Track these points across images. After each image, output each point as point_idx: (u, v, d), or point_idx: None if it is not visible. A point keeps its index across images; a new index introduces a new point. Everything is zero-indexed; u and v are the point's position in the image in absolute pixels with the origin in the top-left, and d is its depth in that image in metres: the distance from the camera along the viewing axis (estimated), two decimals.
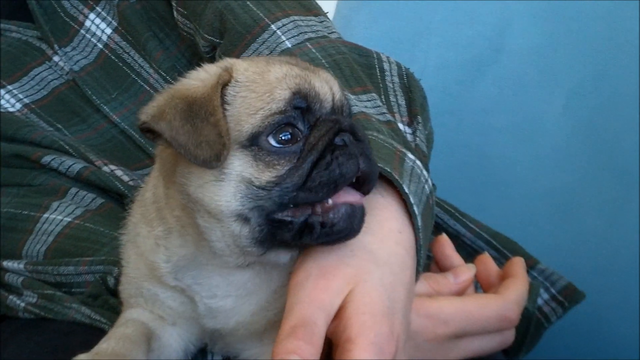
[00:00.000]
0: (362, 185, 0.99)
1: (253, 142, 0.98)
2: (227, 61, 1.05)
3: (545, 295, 1.37)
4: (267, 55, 1.27)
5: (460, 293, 1.18)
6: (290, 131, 0.99)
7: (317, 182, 0.97)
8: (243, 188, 0.97)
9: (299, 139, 0.99)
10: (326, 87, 1.02)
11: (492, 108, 1.84)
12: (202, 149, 0.96)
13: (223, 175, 0.97)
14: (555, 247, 1.74)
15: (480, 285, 1.26)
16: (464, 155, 1.84)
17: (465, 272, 1.20)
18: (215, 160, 0.96)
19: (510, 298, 1.18)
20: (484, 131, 1.84)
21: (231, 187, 0.97)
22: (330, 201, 0.98)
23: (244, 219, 0.98)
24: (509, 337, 1.20)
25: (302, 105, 0.99)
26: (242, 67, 1.02)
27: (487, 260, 1.26)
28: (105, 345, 1.05)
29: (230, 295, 1.05)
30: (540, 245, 1.54)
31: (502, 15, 1.82)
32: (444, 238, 1.24)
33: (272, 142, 0.98)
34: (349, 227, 0.98)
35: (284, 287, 1.03)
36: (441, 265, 1.23)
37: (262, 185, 0.97)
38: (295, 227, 0.97)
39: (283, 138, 0.98)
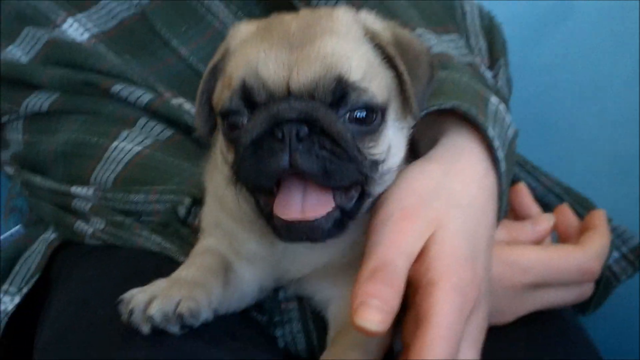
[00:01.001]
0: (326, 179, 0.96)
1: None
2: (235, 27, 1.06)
3: (616, 254, 1.34)
4: None
5: (537, 242, 1.16)
6: (233, 119, 0.98)
7: (243, 175, 0.97)
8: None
9: (239, 127, 0.98)
10: (280, 72, 0.96)
11: (557, 67, 1.80)
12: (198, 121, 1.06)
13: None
14: (615, 214, 1.71)
15: (559, 237, 1.24)
16: (525, 113, 1.78)
17: (544, 221, 1.18)
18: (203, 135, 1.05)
19: (592, 250, 1.15)
20: (547, 90, 1.80)
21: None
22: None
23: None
24: (587, 290, 1.18)
25: (246, 94, 0.97)
26: (237, 38, 1.04)
27: (566, 211, 1.24)
28: (185, 272, 1.04)
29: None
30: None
31: None
32: (522, 187, 1.22)
33: (225, 126, 0.99)
34: (292, 237, 0.97)
35: (362, 237, 1.01)
36: (518, 214, 1.22)
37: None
38: (264, 212, 0.98)
39: (229, 124, 0.99)
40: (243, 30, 1.04)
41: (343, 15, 1.02)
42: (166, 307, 0.97)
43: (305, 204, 0.96)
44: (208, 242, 1.11)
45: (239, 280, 1.09)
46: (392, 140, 1.00)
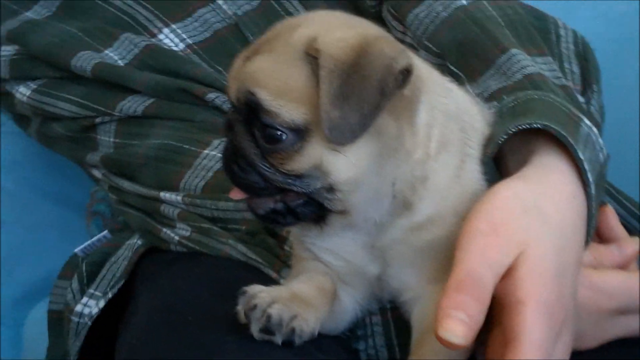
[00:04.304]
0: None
1: None
2: None
3: None
4: (440, 10, 1.27)
5: (623, 266, 1.15)
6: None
7: None
8: None
9: None
10: (229, 83, 1.01)
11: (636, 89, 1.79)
12: None
13: None
14: None
15: None
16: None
17: (631, 245, 1.16)
18: None
19: None
20: (627, 112, 1.78)
21: None
22: None
23: None
24: None
25: None
26: None
27: None
28: (303, 288, 1.05)
29: None
30: None
31: None
32: (609, 209, 1.21)
33: None
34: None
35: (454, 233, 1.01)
36: (604, 237, 1.20)
37: None
38: None
39: None
40: None
41: (293, 33, 1.00)
42: (285, 315, 0.99)
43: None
44: (314, 264, 1.11)
45: (341, 308, 1.10)
46: (325, 159, 0.98)
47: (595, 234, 1.22)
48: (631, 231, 1.33)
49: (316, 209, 1.01)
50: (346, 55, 0.95)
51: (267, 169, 0.99)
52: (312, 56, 0.96)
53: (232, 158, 1.01)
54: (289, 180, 0.99)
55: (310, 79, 0.97)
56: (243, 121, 1.00)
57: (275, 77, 0.98)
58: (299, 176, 0.99)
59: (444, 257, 1.01)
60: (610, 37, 1.78)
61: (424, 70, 1.05)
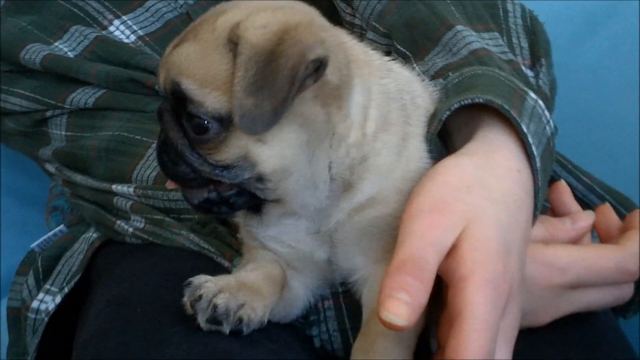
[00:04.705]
0: None
1: None
2: None
3: None
4: None
5: (577, 240, 1.14)
6: None
7: None
8: None
9: None
10: (159, 71, 1.01)
11: (603, 65, 1.78)
12: None
13: None
14: None
15: (599, 237, 1.22)
16: (571, 112, 1.78)
17: (584, 218, 1.15)
18: None
19: (632, 250, 1.12)
20: (593, 89, 1.78)
21: None
22: None
23: None
24: (626, 292, 1.15)
25: None
26: None
27: (607, 211, 1.21)
28: (251, 276, 1.04)
29: None
30: None
31: None
32: (562, 185, 1.20)
33: None
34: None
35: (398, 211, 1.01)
36: (558, 213, 1.19)
37: None
38: None
39: None
40: None
41: (217, 18, 0.99)
42: (231, 304, 0.98)
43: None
44: (262, 253, 1.10)
45: (289, 291, 1.09)
46: (251, 150, 0.97)
47: (550, 210, 1.22)
48: (589, 206, 1.33)
49: (249, 198, 1.01)
50: (265, 42, 0.93)
51: (196, 160, 0.98)
52: (234, 43, 0.95)
53: (163, 148, 1.00)
54: (217, 171, 0.98)
55: (233, 66, 0.95)
56: (171, 111, 0.99)
57: (199, 66, 0.96)
58: (226, 167, 0.98)
59: (390, 236, 1.01)
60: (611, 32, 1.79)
61: (360, 53, 1.03)
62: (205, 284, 1.00)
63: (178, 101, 0.97)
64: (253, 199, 1.01)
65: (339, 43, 1.00)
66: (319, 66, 0.94)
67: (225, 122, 0.95)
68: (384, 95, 1.03)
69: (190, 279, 1.01)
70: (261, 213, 1.03)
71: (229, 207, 1.01)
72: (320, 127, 0.98)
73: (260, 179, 0.98)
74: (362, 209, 1.03)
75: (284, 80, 0.92)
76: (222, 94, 0.95)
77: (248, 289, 1.01)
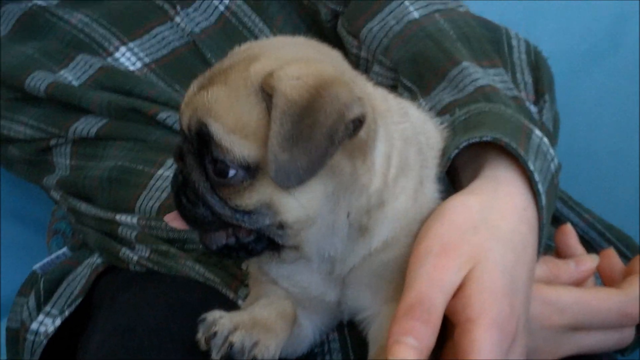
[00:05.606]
0: None
1: None
2: None
3: None
4: (393, 24, 1.27)
5: (580, 282, 1.14)
6: None
7: None
8: None
9: None
10: (182, 110, 0.99)
11: (603, 102, 1.79)
12: None
13: None
14: None
15: (602, 280, 1.22)
16: (570, 148, 1.79)
17: (588, 261, 1.15)
18: None
19: (634, 294, 1.13)
20: (592, 125, 1.79)
21: None
22: None
23: None
24: (627, 336, 1.15)
25: None
26: None
27: (611, 255, 1.22)
28: (264, 313, 1.03)
29: None
30: None
31: (623, 6, 1.78)
32: (568, 227, 1.21)
33: None
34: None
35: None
36: (563, 255, 1.20)
37: None
38: None
39: None
40: None
41: (249, 65, 0.97)
42: (247, 342, 0.97)
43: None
44: (273, 289, 1.10)
45: (298, 328, 1.09)
46: (275, 198, 0.96)
47: (555, 252, 1.23)
48: (590, 243, 1.34)
49: (268, 244, 1.00)
50: (300, 97, 0.92)
51: (217, 203, 0.97)
52: (267, 93, 0.94)
53: (182, 190, 0.99)
54: (237, 216, 0.97)
55: (265, 116, 0.94)
56: (194, 152, 0.98)
57: (229, 111, 0.95)
58: (247, 212, 0.97)
59: (400, 276, 1.01)
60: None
61: (380, 101, 1.03)
62: (220, 320, 0.99)
63: (202, 143, 0.96)
64: (271, 244, 1.00)
65: (366, 96, 0.99)
66: (355, 126, 0.94)
67: (251, 170, 0.95)
68: (403, 140, 1.02)
69: (204, 314, 1.00)
70: (278, 257, 1.02)
71: (247, 252, 1.01)
72: (346, 178, 0.97)
73: (280, 226, 0.97)
74: (377, 253, 1.03)
75: (322, 138, 0.91)
76: (252, 143, 0.94)
77: (262, 327, 1.00)
